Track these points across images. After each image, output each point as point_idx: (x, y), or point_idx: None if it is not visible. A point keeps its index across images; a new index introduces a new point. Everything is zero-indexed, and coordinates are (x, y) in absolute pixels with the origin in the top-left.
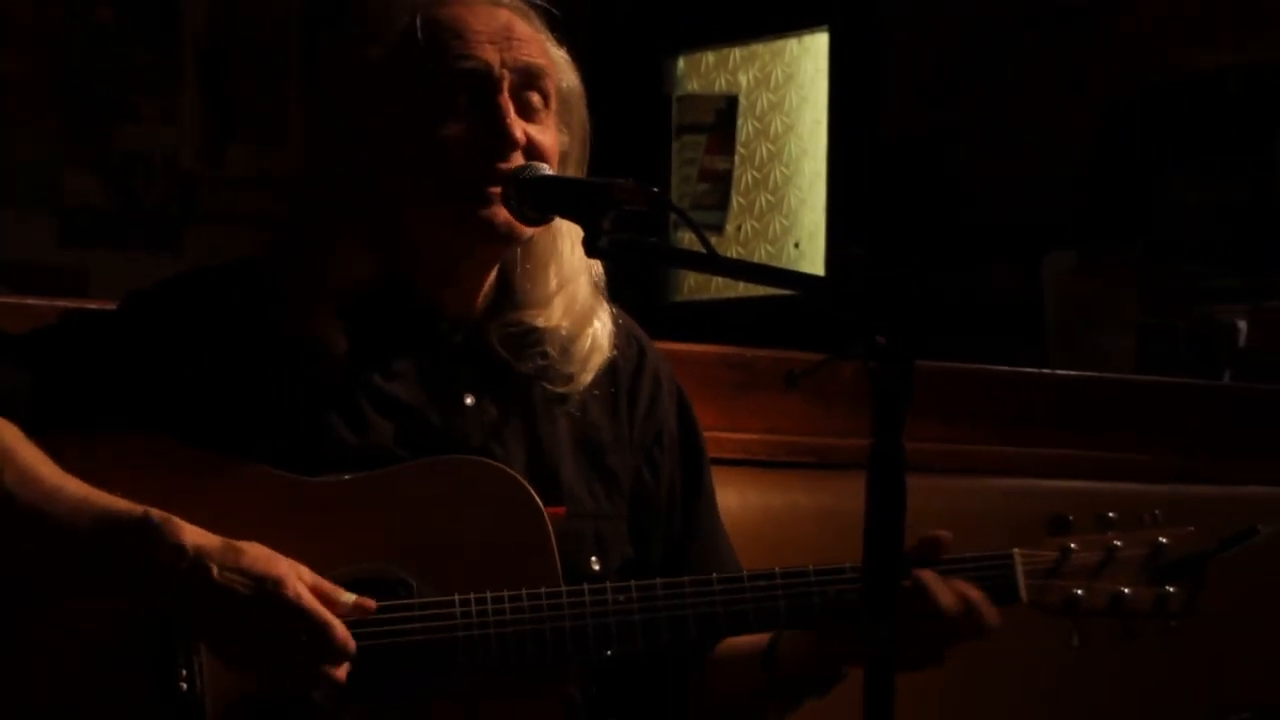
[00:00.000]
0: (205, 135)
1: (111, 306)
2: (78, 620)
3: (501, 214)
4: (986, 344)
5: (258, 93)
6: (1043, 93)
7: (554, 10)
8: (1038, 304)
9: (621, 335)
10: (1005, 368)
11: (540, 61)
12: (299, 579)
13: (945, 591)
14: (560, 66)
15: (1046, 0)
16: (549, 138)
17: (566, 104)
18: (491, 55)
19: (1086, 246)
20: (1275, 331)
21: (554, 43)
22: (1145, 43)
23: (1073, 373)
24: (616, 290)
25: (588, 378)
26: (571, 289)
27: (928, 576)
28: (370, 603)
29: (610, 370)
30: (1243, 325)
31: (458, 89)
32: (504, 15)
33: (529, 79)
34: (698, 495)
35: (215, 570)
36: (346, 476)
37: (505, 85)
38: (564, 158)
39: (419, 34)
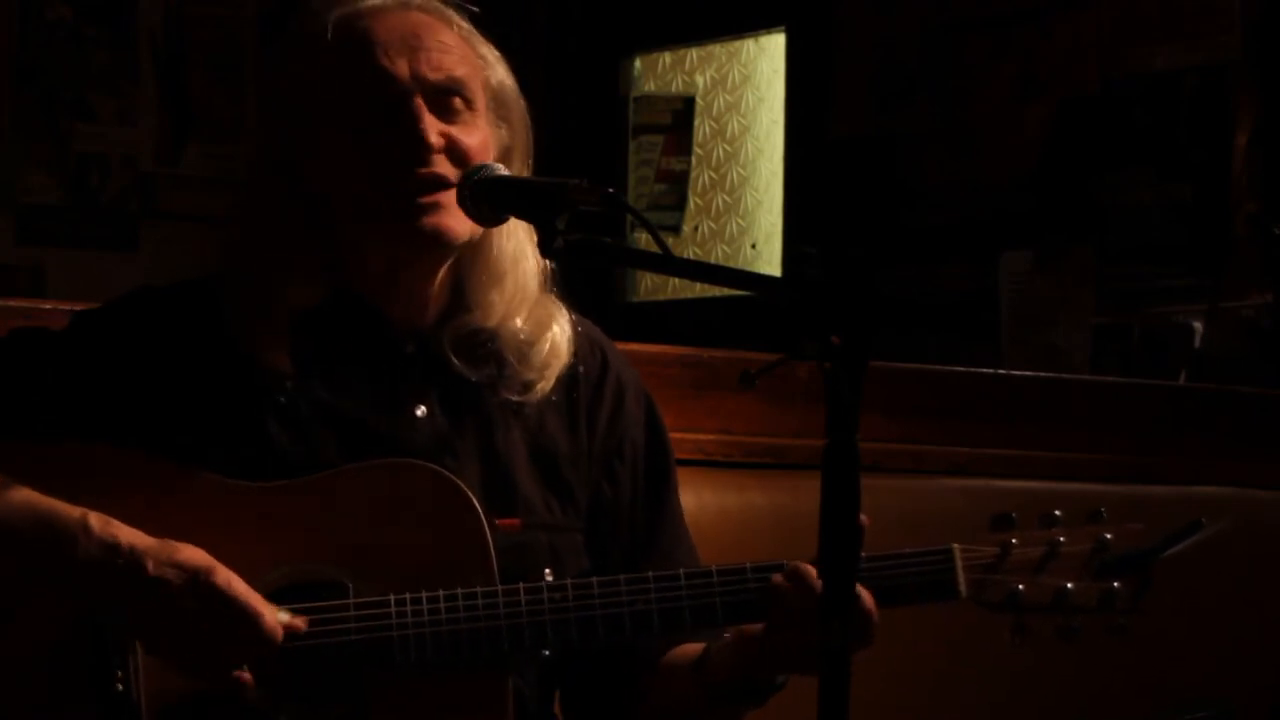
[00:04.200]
0: (162, 134)
1: (67, 306)
2: (27, 622)
3: (430, 221)
4: (941, 343)
5: (215, 92)
6: (997, 92)
7: (472, 9)
8: (993, 303)
9: (584, 343)
10: (958, 368)
11: (456, 71)
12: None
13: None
14: (489, 63)
15: (1000, 0)
16: (475, 138)
17: (500, 100)
18: (400, 65)
19: (1042, 246)
20: (1231, 333)
21: (481, 40)
22: (1098, 43)
23: (1026, 373)
24: (572, 291)
25: (547, 385)
26: (523, 290)
27: (805, 568)
28: (301, 623)
29: (570, 379)
30: (1198, 326)
31: (371, 101)
32: (416, 22)
33: (444, 86)
34: (661, 510)
35: (150, 565)
36: (286, 481)
37: (417, 92)
38: (506, 153)
39: (331, 48)
